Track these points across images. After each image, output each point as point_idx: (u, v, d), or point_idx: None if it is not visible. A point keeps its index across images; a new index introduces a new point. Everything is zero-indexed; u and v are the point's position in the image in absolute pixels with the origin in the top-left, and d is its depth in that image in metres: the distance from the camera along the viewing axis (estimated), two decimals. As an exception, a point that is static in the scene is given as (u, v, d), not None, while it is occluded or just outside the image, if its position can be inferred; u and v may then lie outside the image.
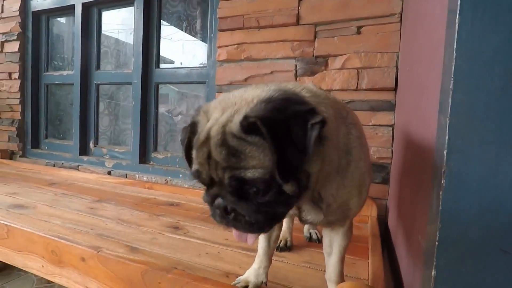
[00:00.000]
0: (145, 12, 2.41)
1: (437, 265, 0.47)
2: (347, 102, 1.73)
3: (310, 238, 1.29)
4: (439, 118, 0.53)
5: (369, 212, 1.60)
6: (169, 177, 2.30)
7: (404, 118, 1.39)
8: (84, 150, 2.77)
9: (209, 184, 0.61)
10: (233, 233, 0.65)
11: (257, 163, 0.53)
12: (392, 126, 1.68)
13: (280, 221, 0.65)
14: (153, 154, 2.49)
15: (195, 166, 0.61)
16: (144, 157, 2.50)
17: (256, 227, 0.60)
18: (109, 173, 2.54)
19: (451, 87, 0.47)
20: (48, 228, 1.28)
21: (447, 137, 0.47)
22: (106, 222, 1.42)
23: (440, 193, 0.47)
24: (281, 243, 1.20)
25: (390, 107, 1.68)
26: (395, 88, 1.66)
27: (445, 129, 0.48)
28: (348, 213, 0.74)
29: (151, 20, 2.45)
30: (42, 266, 1.15)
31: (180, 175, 2.28)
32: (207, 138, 0.58)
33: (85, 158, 2.70)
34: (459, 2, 0.46)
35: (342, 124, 0.69)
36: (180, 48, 2.52)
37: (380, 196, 1.69)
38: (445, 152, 0.47)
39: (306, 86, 0.68)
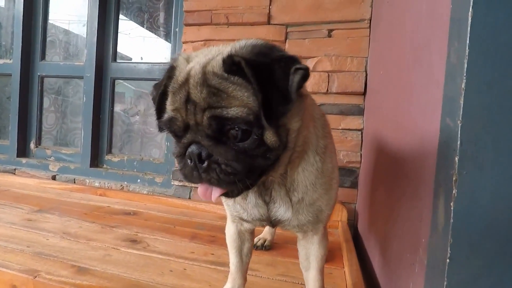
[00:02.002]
0: (101, 0, 2.17)
1: (448, 284, 0.42)
2: (318, 105, 1.70)
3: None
4: (443, 121, 0.48)
5: (340, 217, 1.58)
6: (125, 182, 2.08)
7: (375, 122, 1.40)
8: (23, 151, 2.40)
9: (183, 131, 0.56)
10: (199, 189, 0.57)
11: (240, 102, 0.51)
12: (361, 130, 1.69)
13: (255, 180, 0.57)
14: (107, 157, 2.24)
15: (168, 114, 0.57)
16: (96, 160, 2.24)
17: (230, 180, 0.53)
18: (53, 177, 2.23)
19: (463, 86, 0.42)
20: (-32, 248, 1.04)
21: (458, 142, 0.42)
22: (48, 237, 1.20)
23: (451, 204, 0.42)
24: (258, 242, 1.18)
25: (359, 111, 1.69)
26: (364, 93, 1.68)
27: (455, 133, 0.43)
28: (320, 215, 0.70)
29: (108, 9, 2.21)
30: (-43, 298, 0.91)
31: (138, 180, 2.08)
32: (187, 79, 0.55)
33: (24, 160, 2.34)
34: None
35: (316, 106, 0.71)
36: (141, 43, 2.31)
37: (349, 201, 1.69)
38: (456, 159, 0.42)
39: None
